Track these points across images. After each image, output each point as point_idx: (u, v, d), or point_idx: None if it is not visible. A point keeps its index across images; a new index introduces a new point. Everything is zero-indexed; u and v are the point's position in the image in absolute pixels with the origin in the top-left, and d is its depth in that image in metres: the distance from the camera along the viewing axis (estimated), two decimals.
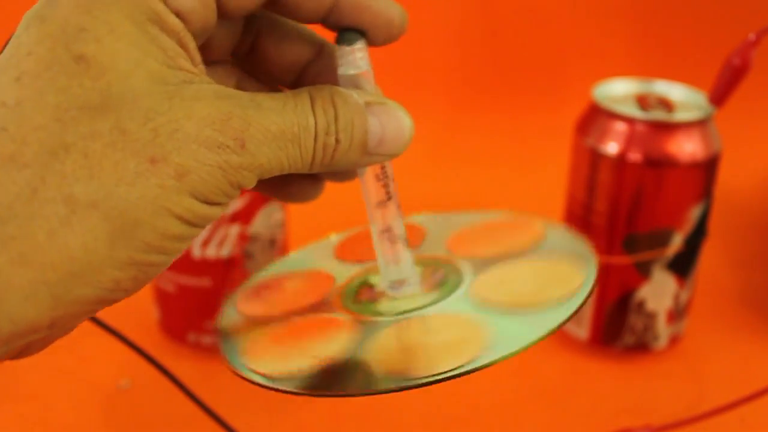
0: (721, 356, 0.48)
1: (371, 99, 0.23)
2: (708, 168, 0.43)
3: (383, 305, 0.28)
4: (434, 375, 0.23)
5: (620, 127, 0.43)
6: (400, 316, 0.27)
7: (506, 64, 0.80)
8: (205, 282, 0.44)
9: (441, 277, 0.30)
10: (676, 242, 0.44)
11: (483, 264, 0.30)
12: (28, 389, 0.44)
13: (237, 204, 0.43)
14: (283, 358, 0.26)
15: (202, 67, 0.22)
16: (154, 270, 0.20)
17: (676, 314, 0.47)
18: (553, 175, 0.57)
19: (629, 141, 0.43)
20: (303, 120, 0.21)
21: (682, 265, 0.45)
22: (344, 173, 0.27)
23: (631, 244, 0.44)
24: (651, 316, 0.46)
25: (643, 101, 0.45)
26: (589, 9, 0.79)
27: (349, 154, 0.23)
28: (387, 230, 0.27)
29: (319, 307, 0.29)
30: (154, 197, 0.19)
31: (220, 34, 0.25)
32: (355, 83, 0.24)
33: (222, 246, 0.44)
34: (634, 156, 0.42)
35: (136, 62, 0.19)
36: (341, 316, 0.28)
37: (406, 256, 0.28)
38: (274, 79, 0.27)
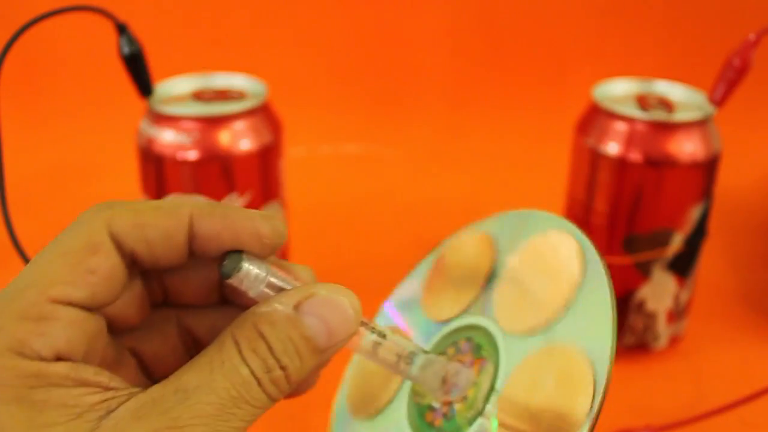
0: (721, 356, 0.48)
1: (299, 297, 0.21)
2: (708, 168, 0.43)
3: (467, 405, 0.26)
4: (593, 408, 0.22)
5: (620, 127, 0.43)
6: (493, 397, 0.25)
7: (506, 65, 0.80)
8: None
9: (467, 345, 0.28)
10: (676, 242, 0.44)
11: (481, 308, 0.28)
12: None
13: (237, 203, 0.43)
14: None
15: (113, 382, 0.19)
16: None
17: (676, 314, 0.47)
18: (553, 175, 0.57)
19: (629, 141, 0.43)
20: (236, 377, 0.19)
21: (682, 265, 0.45)
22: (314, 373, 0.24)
23: (631, 244, 0.44)
24: (651, 316, 0.46)
25: (643, 101, 0.45)
26: (589, 9, 0.79)
27: (304, 368, 0.20)
28: (396, 368, 0.25)
29: None
30: None
31: (128, 311, 0.22)
32: (271, 290, 0.21)
33: None
34: (635, 156, 0.42)
35: None
36: None
37: (433, 364, 0.25)
38: (201, 304, 0.24)
